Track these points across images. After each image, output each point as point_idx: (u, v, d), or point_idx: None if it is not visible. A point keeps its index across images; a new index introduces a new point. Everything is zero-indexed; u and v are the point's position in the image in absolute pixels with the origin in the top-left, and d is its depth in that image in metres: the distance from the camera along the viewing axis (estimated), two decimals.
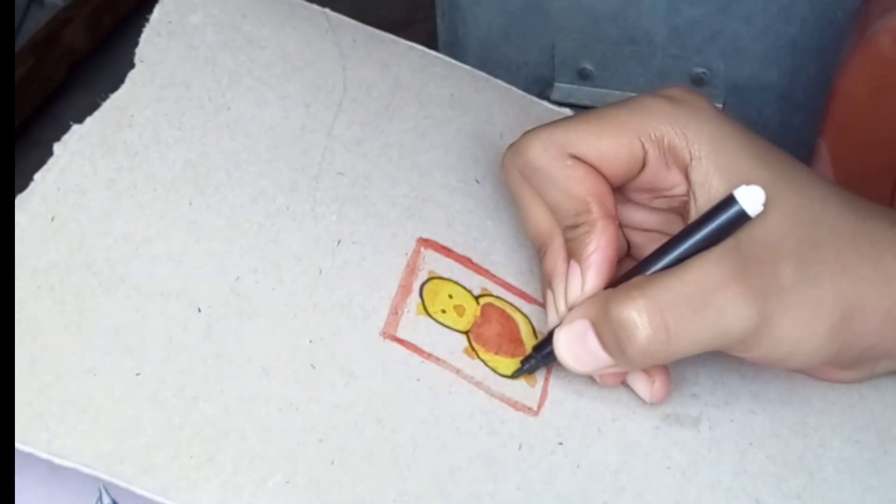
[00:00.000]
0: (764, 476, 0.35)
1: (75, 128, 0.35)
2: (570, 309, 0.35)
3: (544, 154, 0.35)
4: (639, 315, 0.32)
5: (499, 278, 0.38)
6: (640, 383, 0.36)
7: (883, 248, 0.34)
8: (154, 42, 0.38)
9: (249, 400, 0.32)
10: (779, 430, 0.36)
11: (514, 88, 0.44)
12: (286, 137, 0.38)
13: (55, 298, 0.32)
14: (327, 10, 0.42)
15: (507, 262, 0.38)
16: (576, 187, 0.35)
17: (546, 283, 0.36)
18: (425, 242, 0.38)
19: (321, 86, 0.40)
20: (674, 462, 0.35)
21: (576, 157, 0.35)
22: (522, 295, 0.38)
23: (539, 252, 0.37)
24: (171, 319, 0.33)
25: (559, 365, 0.36)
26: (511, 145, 0.36)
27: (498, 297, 0.37)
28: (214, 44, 0.39)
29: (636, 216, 0.38)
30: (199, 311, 0.33)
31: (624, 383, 0.36)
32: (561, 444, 0.34)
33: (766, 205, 0.32)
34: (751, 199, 0.32)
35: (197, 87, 0.38)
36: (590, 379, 0.36)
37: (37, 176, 0.34)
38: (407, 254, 0.37)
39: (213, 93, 0.38)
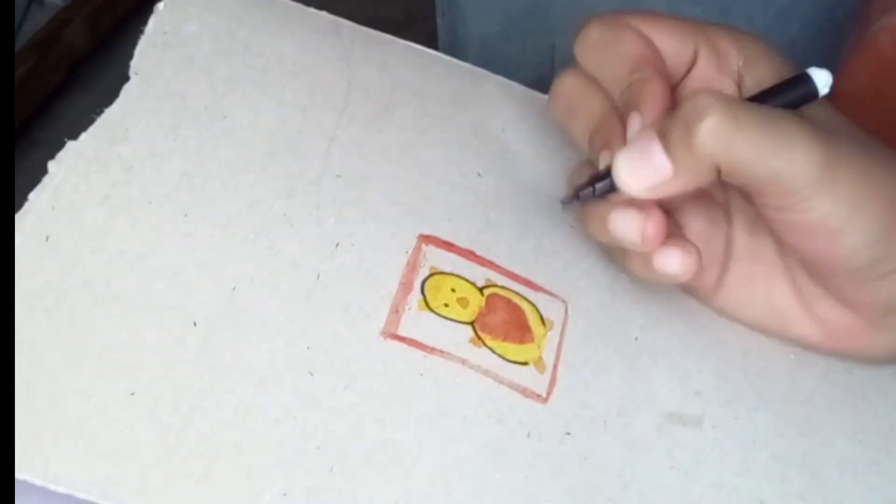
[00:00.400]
0: (767, 475, 0.35)
1: (69, 144, 0.35)
2: (643, 110, 0.35)
3: (602, 25, 0.36)
4: (713, 97, 0.31)
5: (503, 268, 0.38)
6: (673, 252, 0.34)
7: None
8: (149, 54, 0.38)
9: (245, 412, 0.32)
10: (782, 429, 0.36)
11: (514, 83, 0.44)
12: (283, 143, 0.38)
13: (50, 320, 0.32)
14: (324, 13, 0.42)
15: (510, 252, 0.38)
16: (631, 48, 0.35)
17: (601, 146, 0.36)
18: (426, 239, 0.37)
19: (319, 89, 0.40)
20: (677, 461, 0.35)
21: (632, 28, 0.36)
22: (528, 283, 0.38)
23: (592, 141, 0.36)
24: (166, 335, 0.33)
25: (569, 351, 0.36)
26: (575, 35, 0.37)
27: (503, 287, 0.37)
28: (210, 52, 0.39)
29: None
30: (195, 324, 0.33)
31: (640, 269, 0.35)
32: (568, 434, 0.34)
33: (826, 97, 0.33)
34: (821, 79, 0.33)
35: (193, 97, 0.38)
36: (598, 369, 0.36)
37: (31, 195, 0.34)
38: (407, 251, 0.37)
39: (210, 102, 0.38)
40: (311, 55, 0.41)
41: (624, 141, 0.35)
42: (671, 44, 0.36)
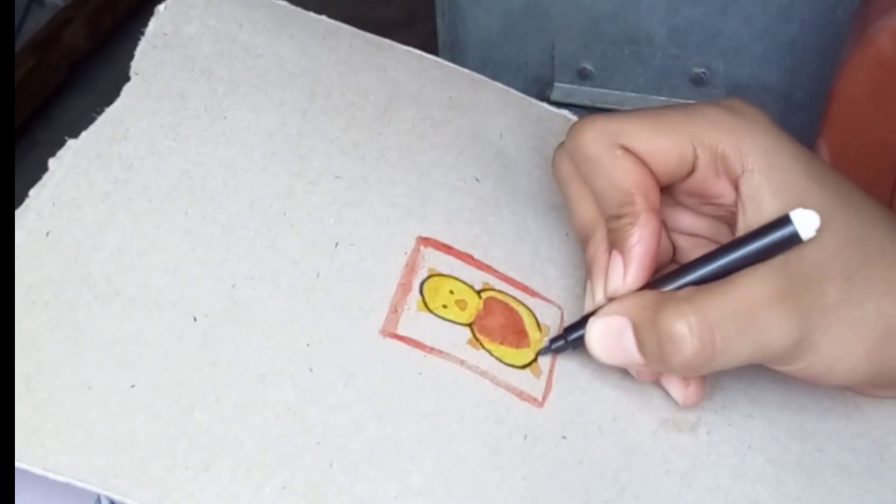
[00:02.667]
0: (763, 478, 0.35)
1: (70, 142, 0.35)
2: (608, 299, 0.35)
3: (595, 141, 0.35)
4: (689, 330, 0.32)
5: (501, 273, 0.38)
6: (675, 386, 0.36)
7: None
8: (150, 54, 0.38)
9: (246, 407, 0.32)
10: (777, 434, 0.36)
11: (512, 90, 0.44)
12: (283, 144, 0.38)
13: (50, 314, 0.32)
14: (324, 17, 0.42)
15: (508, 257, 0.38)
16: (622, 177, 0.35)
17: (587, 271, 0.36)
18: (425, 241, 0.38)
19: (318, 92, 0.40)
20: (672, 466, 0.35)
21: (626, 149, 0.35)
22: (525, 289, 0.38)
23: (582, 243, 0.37)
24: (167, 330, 0.33)
25: (563, 358, 0.36)
26: (567, 135, 0.37)
27: (500, 291, 0.37)
28: (210, 54, 0.39)
29: (683, 220, 0.38)
30: (195, 320, 0.33)
31: (658, 382, 0.36)
32: (565, 437, 0.34)
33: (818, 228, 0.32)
34: (805, 222, 0.32)
35: (193, 98, 0.38)
36: (593, 375, 0.36)
37: (32, 192, 0.34)
38: (406, 253, 0.37)
39: (209, 102, 0.38)
40: (310, 58, 0.41)
41: (605, 267, 0.35)
42: (671, 151, 0.35)
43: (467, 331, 0.36)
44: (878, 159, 0.49)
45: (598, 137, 0.35)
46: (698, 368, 0.33)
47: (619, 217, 0.35)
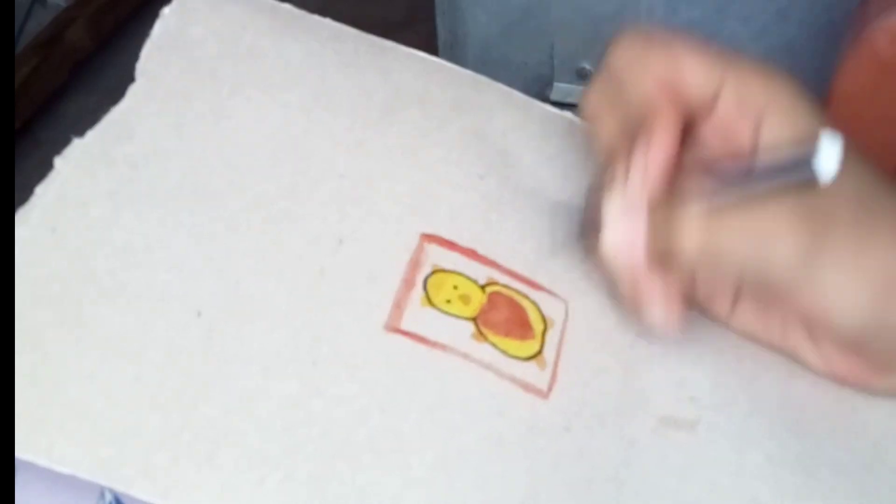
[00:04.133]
0: (761, 477, 0.35)
1: (76, 141, 0.35)
2: (628, 185, 0.35)
3: (638, 37, 0.36)
4: (699, 213, 0.33)
5: (505, 268, 0.38)
6: (656, 307, 0.36)
7: None
8: (155, 56, 0.39)
9: (250, 400, 0.32)
10: (776, 432, 0.36)
11: (515, 91, 0.44)
12: (287, 143, 0.38)
13: (55, 308, 0.32)
14: (328, 20, 0.43)
15: (512, 252, 0.38)
16: (656, 68, 0.36)
17: (610, 174, 0.37)
18: (429, 238, 0.38)
19: (322, 93, 0.40)
20: (671, 463, 0.35)
21: (660, 61, 0.36)
22: (530, 283, 0.38)
23: (604, 162, 0.37)
24: (171, 324, 0.33)
25: (569, 350, 0.36)
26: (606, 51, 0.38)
27: (505, 286, 0.37)
28: (216, 56, 0.40)
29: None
30: (200, 314, 0.33)
31: (641, 305, 0.36)
32: (567, 429, 0.35)
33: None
34: (827, 161, 0.32)
35: (198, 99, 0.38)
36: (597, 370, 0.36)
37: (38, 190, 0.34)
38: (410, 250, 0.37)
39: (214, 103, 0.38)
40: (315, 60, 0.41)
41: (625, 175, 0.36)
42: (697, 74, 0.35)
43: (471, 325, 0.36)
44: (877, 159, 0.49)
45: (641, 35, 0.36)
46: (703, 253, 0.33)
47: (643, 120, 0.36)
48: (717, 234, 0.33)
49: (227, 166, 0.37)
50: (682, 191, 0.34)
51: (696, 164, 0.36)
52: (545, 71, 0.64)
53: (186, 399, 0.32)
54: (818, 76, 0.56)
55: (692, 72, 0.35)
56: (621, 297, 0.37)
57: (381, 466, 0.32)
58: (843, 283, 0.33)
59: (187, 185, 0.36)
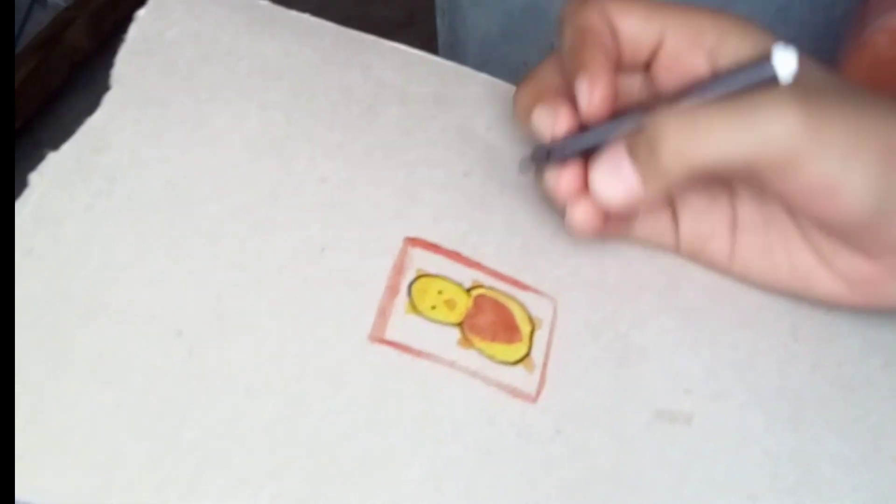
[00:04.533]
0: (758, 470, 0.35)
1: (51, 155, 0.35)
2: (582, 118, 0.35)
3: (575, 2, 0.37)
4: (674, 116, 0.32)
5: (490, 269, 0.38)
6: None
7: None
8: (131, 62, 0.38)
9: (234, 421, 0.32)
10: (773, 425, 0.36)
11: (499, 81, 0.44)
12: (267, 148, 0.38)
13: (33, 332, 0.32)
14: (306, 15, 0.42)
15: (498, 251, 0.38)
16: (584, 20, 0.36)
17: (541, 112, 0.37)
18: (412, 241, 0.37)
19: (301, 93, 0.40)
20: (668, 458, 0.34)
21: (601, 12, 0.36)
22: (515, 283, 0.38)
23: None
24: (152, 345, 0.32)
25: (558, 349, 0.36)
26: None
27: (490, 288, 0.37)
28: (193, 58, 0.39)
29: None
30: (180, 333, 0.33)
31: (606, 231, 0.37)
32: (559, 431, 0.34)
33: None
34: (784, 62, 0.32)
35: (175, 104, 0.38)
36: (588, 365, 0.36)
37: (17, 205, 0.34)
38: (393, 255, 0.37)
39: (192, 109, 0.38)
40: (293, 58, 0.41)
41: (567, 105, 0.36)
42: (632, 23, 0.36)
43: (457, 331, 0.36)
44: None
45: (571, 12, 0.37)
46: (685, 156, 0.32)
47: (571, 48, 0.36)
48: (701, 146, 0.32)
49: (207, 174, 0.37)
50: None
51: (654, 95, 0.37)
52: None
53: (170, 424, 0.31)
54: None
55: (630, 21, 0.36)
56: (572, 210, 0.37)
57: (371, 483, 0.32)
58: (847, 148, 0.32)
59: (166, 197, 0.36)
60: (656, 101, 0.35)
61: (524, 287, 0.38)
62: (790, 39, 0.58)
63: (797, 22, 0.57)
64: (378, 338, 0.35)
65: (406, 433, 0.33)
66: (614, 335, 0.37)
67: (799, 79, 0.32)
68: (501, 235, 0.39)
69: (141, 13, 0.39)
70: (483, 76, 0.44)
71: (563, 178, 0.36)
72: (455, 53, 0.66)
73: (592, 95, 0.35)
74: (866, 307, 0.37)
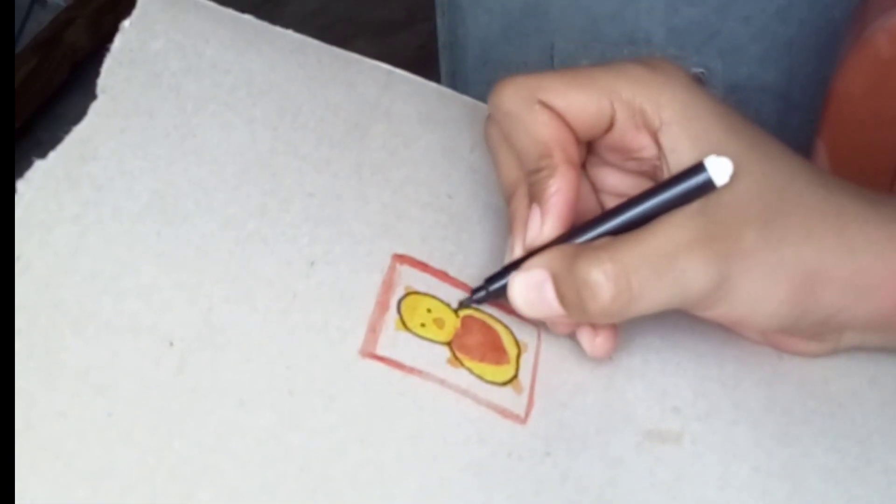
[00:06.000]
0: (748, 488, 0.34)
1: (38, 163, 0.34)
2: (527, 251, 0.36)
3: (514, 97, 0.36)
4: (605, 276, 0.33)
5: None
6: (585, 337, 0.36)
7: (848, 220, 0.34)
8: (116, 72, 0.38)
9: (226, 434, 0.31)
10: (762, 441, 0.36)
11: (480, 104, 0.44)
12: (254, 161, 0.38)
13: (23, 342, 0.31)
14: (290, 32, 0.42)
15: (483, 274, 0.38)
16: (540, 131, 0.36)
17: (509, 226, 0.37)
18: (400, 258, 0.37)
19: (287, 108, 0.40)
20: (658, 479, 0.34)
21: (544, 104, 0.36)
22: (501, 306, 0.37)
23: (507, 202, 0.38)
24: (143, 356, 0.32)
25: (545, 373, 0.36)
26: (489, 95, 0.37)
27: (477, 309, 0.37)
28: (178, 70, 0.39)
29: (609, 179, 0.38)
30: (171, 344, 0.33)
31: (573, 335, 0.37)
32: (548, 454, 0.34)
33: (733, 175, 0.33)
34: (720, 169, 0.33)
35: (161, 116, 0.38)
36: (574, 389, 0.36)
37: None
38: (382, 271, 0.37)
39: (178, 120, 0.38)
40: (279, 74, 0.41)
41: (524, 231, 0.36)
42: (588, 105, 0.36)
43: (446, 349, 0.36)
44: (876, 159, 0.49)
45: (516, 93, 0.36)
46: (616, 314, 0.33)
47: (538, 171, 0.36)
48: (628, 287, 0.33)
49: (195, 186, 0.36)
50: (581, 250, 0.34)
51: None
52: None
53: (160, 435, 0.31)
54: (818, 76, 0.56)
55: (582, 107, 0.36)
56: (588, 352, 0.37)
57: (363, 499, 0.31)
58: (760, 291, 0.34)
59: (154, 207, 0.35)
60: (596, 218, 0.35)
61: (509, 311, 0.37)
62: (790, 39, 0.58)
63: (797, 21, 0.57)
64: (369, 353, 0.34)
65: (398, 451, 0.33)
66: (599, 360, 0.37)
67: (723, 206, 0.33)
68: (486, 257, 0.39)
69: (126, 24, 0.39)
70: (465, 98, 0.44)
71: (598, 345, 0.36)
72: (455, 53, 0.65)
73: (552, 227, 0.35)
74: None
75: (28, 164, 0.34)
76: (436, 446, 0.33)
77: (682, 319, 0.38)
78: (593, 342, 0.36)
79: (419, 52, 0.82)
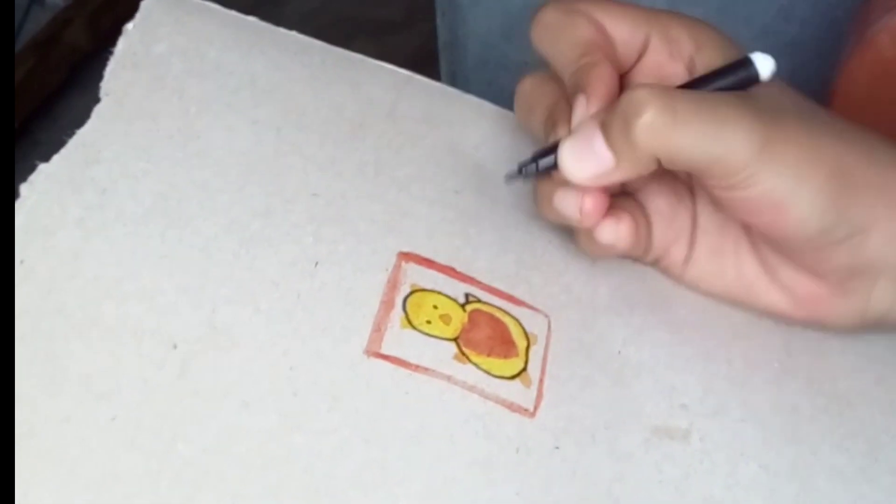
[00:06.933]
0: (756, 486, 0.34)
1: (42, 167, 0.34)
2: (575, 115, 0.36)
3: (556, 9, 0.37)
4: (649, 92, 0.33)
5: (484, 284, 0.38)
6: (607, 227, 0.36)
7: (872, 140, 0.35)
8: (119, 75, 0.38)
9: (229, 437, 0.31)
10: (770, 439, 0.36)
11: (485, 102, 0.44)
12: (258, 162, 0.38)
13: (26, 347, 0.31)
14: (294, 33, 0.42)
15: (491, 267, 0.38)
16: (581, 33, 0.36)
17: (548, 125, 0.37)
18: (406, 256, 0.37)
19: (292, 109, 0.40)
20: (666, 475, 0.34)
21: (583, 14, 0.37)
22: (510, 298, 0.37)
23: (545, 127, 0.38)
24: (146, 359, 0.32)
25: (554, 365, 0.36)
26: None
27: (485, 303, 0.37)
28: (181, 73, 0.39)
29: None
30: (175, 347, 0.32)
31: (604, 251, 0.37)
32: (557, 448, 0.34)
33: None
34: (764, 64, 0.34)
35: (165, 118, 0.37)
36: (583, 383, 0.36)
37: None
38: (387, 269, 0.36)
39: (182, 123, 0.38)
40: (282, 74, 0.41)
41: (570, 122, 0.36)
42: (622, 30, 0.37)
43: (453, 346, 0.35)
44: None
45: (559, 7, 0.37)
46: (658, 136, 0.33)
47: (578, 69, 0.36)
48: (672, 109, 0.33)
49: (198, 188, 0.36)
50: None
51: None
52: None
53: (164, 439, 0.31)
54: (820, 76, 0.56)
55: (618, 28, 0.37)
56: (577, 235, 0.37)
57: (368, 500, 0.31)
58: (799, 169, 0.33)
59: (158, 210, 0.35)
60: None
61: (519, 303, 0.37)
62: (791, 39, 0.58)
63: (799, 21, 0.57)
64: (374, 352, 0.34)
65: (403, 448, 0.33)
66: (609, 353, 0.37)
67: (762, 97, 0.34)
68: (494, 251, 0.39)
69: (129, 27, 0.39)
70: (468, 97, 0.44)
71: (587, 203, 0.36)
72: (455, 53, 0.65)
73: (590, 110, 0.35)
74: (806, 322, 0.38)
75: (27, 165, 0.34)
76: (442, 444, 0.33)
77: (690, 316, 0.38)
78: (617, 228, 0.36)
79: (419, 52, 0.82)
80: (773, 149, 0.33)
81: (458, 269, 0.37)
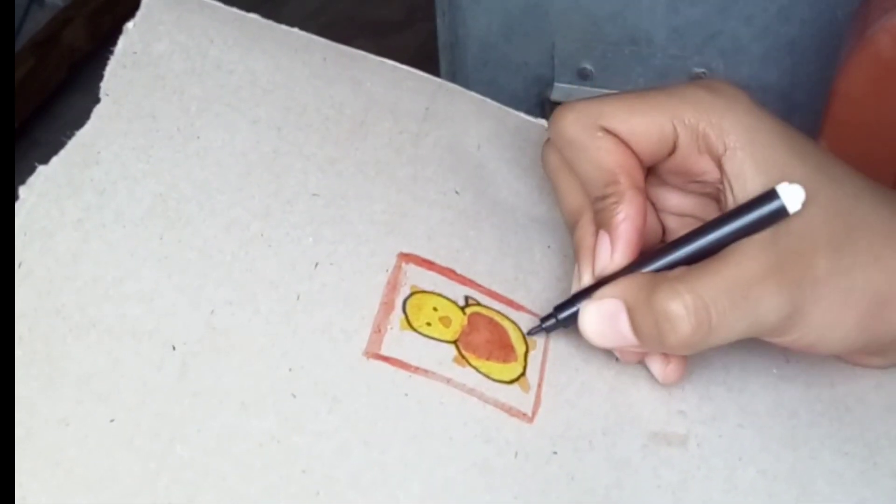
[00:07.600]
0: (755, 491, 0.34)
1: (40, 168, 0.34)
2: (596, 279, 0.35)
3: (576, 124, 0.36)
4: (685, 308, 0.32)
5: (484, 287, 0.37)
6: (656, 364, 0.36)
7: None
8: (119, 74, 0.38)
9: (228, 438, 0.31)
10: (768, 444, 0.36)
11: (488, 100, 0.43)
12: (258, 162, 0.38)
13: (24, 348, 0.31)
14: (296, 30, 0.42)
15: (491, 270, 0.38)
16: (605, 158, 0.35)
17: (574, 255, 0.37)
18: (406, 257, 0.37)
19: (292, 107, 0.40)
20: (664, 481, 0.34)
21: (606, 130, 0.35)
22: (509, 303, 0.37)
23: (570, 229, 0.37)
24: (145, 361, 0.32)
25: (553, 371, 0.36)
26: (549, 122, 0.37)
27: (485, 307, 0.37)
28: (181, 71, 0.39)
29: (670, 199, 0.38)
30: (174, 349, 0.33)
31: (641, 361, 0.37)
32: (555, 453, 0.34)
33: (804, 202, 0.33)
34: (792, 196, 0.33)
35: (165, 118, 0.37)
36: (581, 389, 0.36)
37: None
38: (387, 270, 0.36)
39: (182, 122, 0.37)
40: (283, 73, 0.40)
41: (591, 258, 0.36)
42: (649, 141, 0.35)
43: (452, 348, 0.35)
44: (879, 159, 0.49)
45: (578, 120, 0.36)
46: (695, 346, 0.33)
47: (604, 198, 0.35)
48: (707, 320, 0.33)
49: (198, 189, 0.36)
50: (657, 281, 0.34)
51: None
52: (545, 71, 0.64)
53: (163, 440, 0.31)
54: (820, 76, 0.56)
55: (645, 132, 0.35)
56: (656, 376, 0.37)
57: (366, 502, 0.31)
58: (830, 318, 0.34)
59: (157, 211, 0.35)
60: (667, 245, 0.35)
61: (517, 307, 0.37)
62: (792, 39, 0.58)
63: (798, 21, 0.57)
64: (374, 353, 0.34)
65: (402, 452, 0.32)
66: (605, 359, 0.37)
67: (794, 233, 0.33)
68: (494, 254, 0.38)
69: (129, 26, 0.39)
70: (471, 94, 0.43)
71: (670, 372, 0.36)
72: (455, 53, 0.65)
73: (622, 255, 0.35)
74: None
75: (27, 165, 0.34)
76: (441, 446, 0.33)
77: None
78: (665, 370, 0.36)
79: (419, 52, 0.82)
80: (803, 310, 0.33)
81: (458, 271, 0.37)
